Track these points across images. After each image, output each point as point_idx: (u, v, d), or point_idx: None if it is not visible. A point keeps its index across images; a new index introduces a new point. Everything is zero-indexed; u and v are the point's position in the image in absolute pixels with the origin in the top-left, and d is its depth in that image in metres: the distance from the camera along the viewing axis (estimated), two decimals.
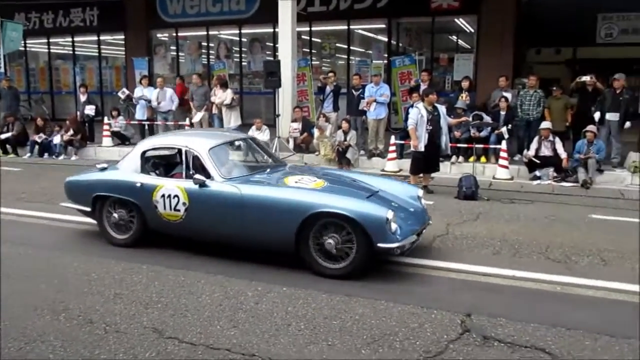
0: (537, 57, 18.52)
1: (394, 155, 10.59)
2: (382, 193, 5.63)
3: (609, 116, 9.69)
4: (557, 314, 4.25)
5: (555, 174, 9.46)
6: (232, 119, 12.26)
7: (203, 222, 5.47)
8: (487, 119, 10.48)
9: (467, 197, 8.08)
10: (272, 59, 14.92)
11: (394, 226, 4.82)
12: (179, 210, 5.49)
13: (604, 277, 5.00)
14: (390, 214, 4.79)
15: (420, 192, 5.96)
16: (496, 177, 9.77)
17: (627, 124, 9.72)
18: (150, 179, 5.77)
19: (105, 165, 6.33)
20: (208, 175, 5.42)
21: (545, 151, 9.54)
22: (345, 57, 16.57)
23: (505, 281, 4.96)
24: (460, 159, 10.56)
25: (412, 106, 9.29)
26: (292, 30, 12.20)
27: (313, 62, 16.15)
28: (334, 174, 6.44)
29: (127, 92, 14.05)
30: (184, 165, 5.73)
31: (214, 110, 12.38)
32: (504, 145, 9.85)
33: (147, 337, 3.88)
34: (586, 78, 10.44)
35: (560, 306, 4.44)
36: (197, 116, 12.53)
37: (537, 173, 9.55)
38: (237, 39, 17.66)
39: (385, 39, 16.10)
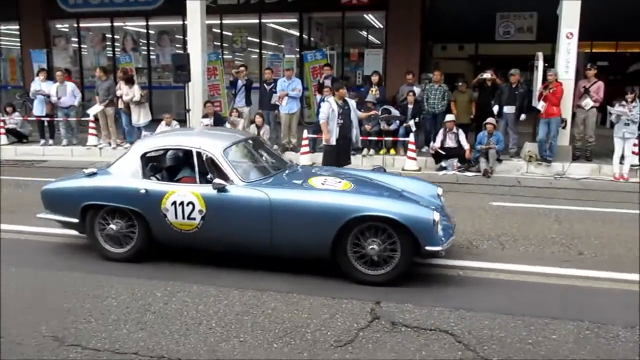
0: (443, 52, 19.33)
1: (306, 149, 10.68)
2: (406, 193, 5.33)
3: (506, 109, 10.34)
4: (460, 297, 4.48)
5: (459, 165, 9.96)
6: (142, 116, 11.79)
7: (222, 231, 4.93)
8: (396, 112, 10.83)
9: None
10: (181, 52, 14.50)
11: (440, 228, 4.65)
12: (193, 219, 4.91)
13: (503, 260, 5.34)
14: (437, 216, 4.58)
15: (440, 190, 5.67)
16: (405, 168, 10.13)
17: (523, 116, 10.44)
18: (158, 185, 5.14)
19: (94, 170, 5.53)
20: (226, 179, 4.91)
21: (450, 143, 10.00)
22: (258, 51, 16.46)
23: (414, 268, 5.14)
24: (371, 151, 10.85)
25: (323, 100, 9.40)
26: (202, 23, 11.90)
27: (225, 56, 15.88)
28: (350, 173, 6.00)
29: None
30: (196, 169, 5.10)
31: (120, 105, 11.84)
32: (411, 137, 10.25)
33: (47, 346, 3.66)
34: (487, 75, 11.08)
35: (463, 290, 4.67)
36: (93, 109, 11.90)
37: (443, 164, 10.01)
38: (145, 31, 17.01)
39: (297, 34, 16.16)
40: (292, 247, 4.85)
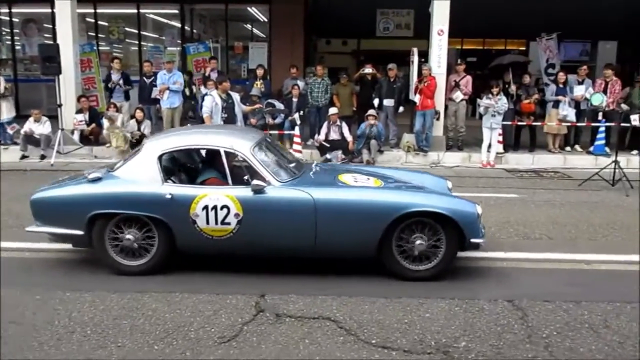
0: (327, 47, 19.79)
1: None
2: (428, 188, 5.31)
3: (386, 102, 10.81)
4: (343, 283, 4.61)
5: (343, 156, 10.25)
6: (5, 110, 10.84)
7: (261, 235, 4.62)
8: (280, 106, 10.90)
9: None
10: (50, 42, 13.45)
11: (481, 220, 4.70)
12: (228, 224, 4.55)
13: None
14: (479, 209, 4.64)
15: (449, 184, 5.64)
16: None
17: (401, 109, 10.99)
18: (185, 189, 4.69)
19: (98, 174, 4.88)
20: (260, 180, 4.60)
21: (334, 135, 10.26)
22: (137, 42, 15.73)
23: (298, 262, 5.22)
24: None
25: (206, 94, 9.22)
26: (72, 11, 11.14)
27: (101, 48, 15.01)
28: (366, 170, 5.88)
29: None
30: (227, 170, 4.70)
31: None
32: (297, 130, 10.39)
33: None
34: (367, 70, 11.49)
35: (345, 277, 4.80)
36: None
37: (328, 156, 10.24)
38: (7, 18, 15.57)
39: (179, 25, 15.67)
40: (337, 247, 4.70)
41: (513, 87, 11.04)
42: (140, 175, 4.75)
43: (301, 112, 10.74)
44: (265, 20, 15.93)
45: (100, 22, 15.57)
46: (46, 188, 5.01)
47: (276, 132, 10.85)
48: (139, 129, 10.28)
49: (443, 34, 10.69)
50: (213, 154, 5.03)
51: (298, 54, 14.96)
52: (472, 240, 4.56)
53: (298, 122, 10.51)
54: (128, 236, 4.67)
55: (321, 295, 4.33)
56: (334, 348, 3.58)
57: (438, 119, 10.71)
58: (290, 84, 11.22)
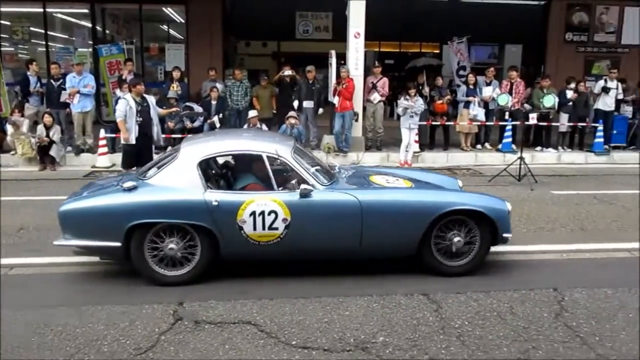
0: (247, 49, 19.60)
1: (105, 150, 10.01)
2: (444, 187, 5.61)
3: (305, 104, 10.90)
4: (265, 287, 4.60)
5: None
6: None
7: (308, 239, 4.66)
8: (198, 109, 10.70)
9: None
10: None
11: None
12: (276, 229, 4.54)
13: None
14: (509, 205, 4.91)
15: (460, 183, 5.95)
16: None
17: (320, 110, 11.12)
18: (231, 195, 4.66)
19: (134, 183, 4.65)
20: (304, 184, 4.63)
21: None
22: (44, 43, 14.88)
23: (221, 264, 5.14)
24: None
25: (119, 98, 8.90)
26: None
27: (4, 49, 14.09)
28: (387, 171, 6.10)
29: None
30: (270, 175, 4.68)
31: None
32: None
33: None
34: (287, 72, 11.52)
35: (267, 280, 4.80)
36: None
37: None
38: None
39: (90, 25, 14.99)
40: (381, 247, 4.81)
41: (426, 89, 11.47)
42: (179, 183, 4.66)
43: (220, 115, 10.61)
44: (182, 21, 15.58)
45: (2, 22, 14.60)
46: (73, 199, 4.77)
47: None
48: (47, 135, 9.72)
49: (360, 36, 10.91)
50: (250, 160, 5.11)
51: (217, 55, 14.76)
52: (505, 235, 4.86)
53: (217, 125, 10.36)
54: (171, 245, 4.56)
55: (241, 300, 4.31)
56: (254, 352, 3.57)
57: (357, 120, 10.93)
58: (209, 87, 11.05)
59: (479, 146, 11.80)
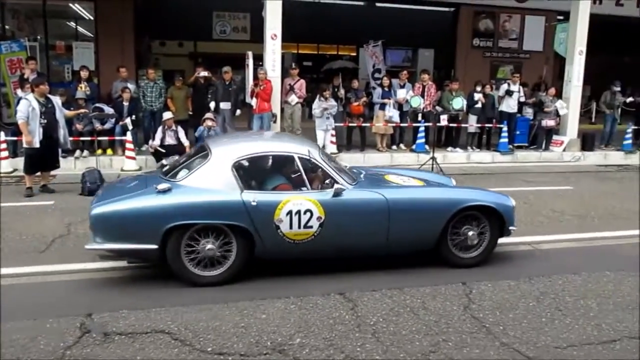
0: (163, 49, 19.05)
1: (6, 153, 9.35)
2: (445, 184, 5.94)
3: (222, 105, 10.74)
4: (174, 295, 4.49)
5: None
6: None
7: (340, 236, 4.83)
8: (109, 110, 10.25)
9: (92, 192, 7.66)
10: None
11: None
12: (311, 227, 4.69)
13: None
14: (513, 201, 5.33)
15: (454, 181, 6.20)
16: (124, 168, 9.69)
17: (238, 112, 11.01)
18: (268, 196, 4.73)
19: (168, 185, 4.62)
20: (333, 183, 4.82)
21: (170, 140, 9.87)
22: None
23: (129, 271, 4.94)
24: (85, 152, 10.06)
25: (21, 98, 8.34)
26: None
27: None
28: (401, 172, 6.32)
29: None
30: (303, 175, 4.85)
31: None
32: (129, 136, 9.85)
33: None
34: (204, 74, 11.27)
35: (173, 289, 4.67)
36: None
37: (164, 162, 9.84)
38: None
39: None
40: (405, 242, 5.06)
41: (342, 91, 11.66)
42: (215, 184, 4.69)
43: (133, 117, 10.21)
44: (91, 18, 14.87)
45: None
46: (104, 202, 4.64)
47: (106, 138, 10.20)
48: None
49: (277, 38, 10.90)
50: (280, 160, 5.22)
51: (129, 54, 14.21)
52: (511, 228, 5.29)
53: (130, 127, 9.95)
54: (209, 246, 4.60)
55: (155, 308, 4.16)
56: None
57: (275, 121, 10.90)
58: (120, 87, 10.62)
59: (394, 147, 12.15)
